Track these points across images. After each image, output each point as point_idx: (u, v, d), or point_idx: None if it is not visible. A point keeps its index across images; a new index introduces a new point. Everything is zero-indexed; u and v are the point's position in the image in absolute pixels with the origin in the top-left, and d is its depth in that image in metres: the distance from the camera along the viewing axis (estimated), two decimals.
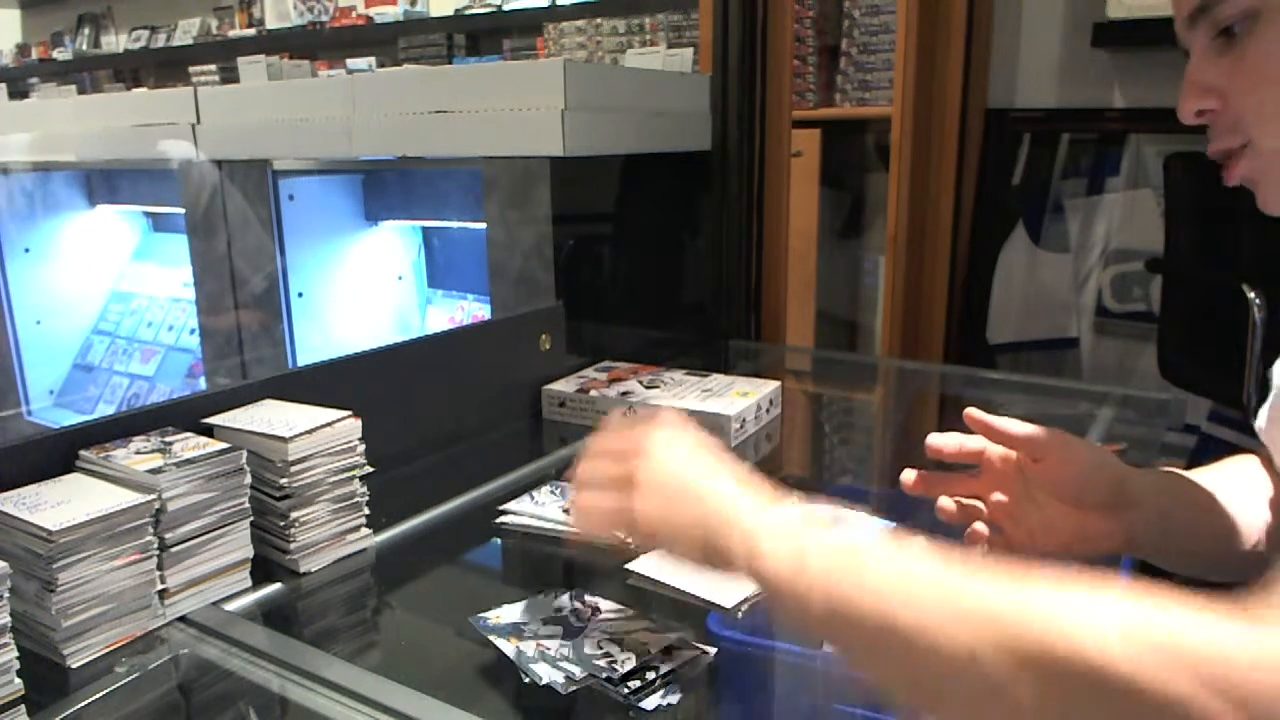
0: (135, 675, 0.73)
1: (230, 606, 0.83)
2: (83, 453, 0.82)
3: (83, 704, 0.69)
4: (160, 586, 0.78)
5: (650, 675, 0.70)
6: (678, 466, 0.66)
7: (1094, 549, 0.73)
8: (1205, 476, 0.77)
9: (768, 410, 1.35)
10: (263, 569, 0.87)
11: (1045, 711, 0.44)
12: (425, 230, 2.11)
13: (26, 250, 2.43)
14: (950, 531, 0.77)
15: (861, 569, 0.53)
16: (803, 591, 0.55)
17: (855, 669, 0.58)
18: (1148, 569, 0.79)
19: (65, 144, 2.20)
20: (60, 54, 5.15)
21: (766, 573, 0.57)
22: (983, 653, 0.46)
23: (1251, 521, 0.74)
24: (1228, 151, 0.65)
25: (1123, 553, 0.76)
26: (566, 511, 0.99)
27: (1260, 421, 0.79)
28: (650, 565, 0.88)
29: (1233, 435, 1.92)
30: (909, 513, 0.98)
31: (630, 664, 0.71)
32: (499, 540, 1.00)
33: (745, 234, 1.84)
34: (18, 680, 0.68)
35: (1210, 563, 0.75)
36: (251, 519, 0.85)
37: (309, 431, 0.87)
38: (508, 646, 0.74)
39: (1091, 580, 0.47)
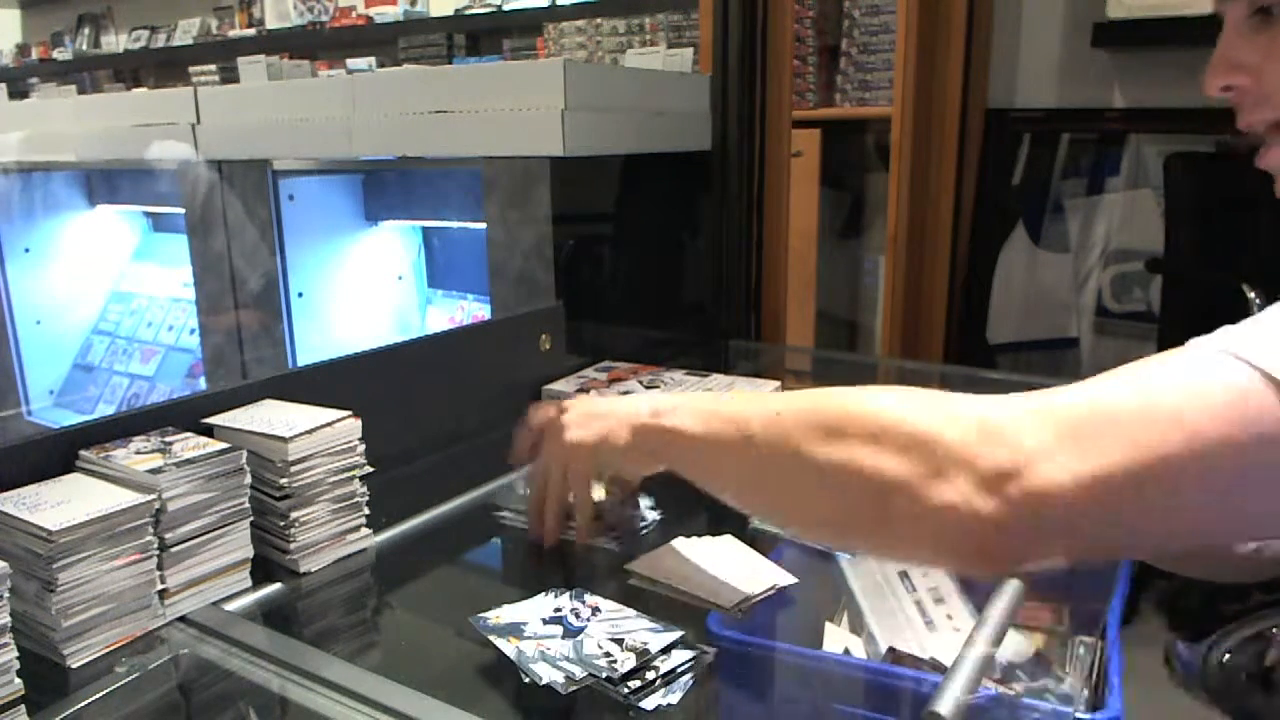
0: (135, 675, 0.73)
1: (230, 606, 0.82)
2: (83, 453, 0.82)
3: (83, 704, 0.69)
4: (160, 586, 0.78)
5: (650, 675, 0.70)
6: (589, 402, 0.86)
7: None
8: None
9: None
10: (263, 569, 0.87)
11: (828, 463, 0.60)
12: (425, 230, 2.11)
13: (26, 250, 2.43)
14: None
15: (729, 407, 0.70)
16: (690, 434, 0.72)
17: (734, 499, 0.73)
18: (1149, 571, 0.78)
19: (65, 144, 2.20)
20: (60, 54, 5.15)
21: (668, 426, 0.74)
22: (793, 435, 0.62)
23: None
24: (1261, 125, 0.64)
25: None
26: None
27: None
28: (650, 565, 0.88)
29: None
30: None
31: (630, 664, 0.70)
32: (499, 540, 1.00)
33: (745, 234, 1.84)
34: (18, 680, 0.68)
35: (1205, 562, 0.75)
36: (251, 519, 0.85)
37: (309, 431, 0.87)
38: (508, 646, 0.74)
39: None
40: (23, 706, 0.68)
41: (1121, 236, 2.29)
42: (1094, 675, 0.69)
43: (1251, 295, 1.75)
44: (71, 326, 2.60)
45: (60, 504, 0.74)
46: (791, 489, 0.65)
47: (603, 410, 0.83)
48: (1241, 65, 0.63)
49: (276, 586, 0.87)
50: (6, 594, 0.67)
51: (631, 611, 0.79)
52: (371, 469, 0.94)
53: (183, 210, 1.98)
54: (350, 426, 0.91)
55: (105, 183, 2.48)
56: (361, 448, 0.92)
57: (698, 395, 0.78)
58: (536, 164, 1.42)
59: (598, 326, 1.54)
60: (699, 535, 0.93)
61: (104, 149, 2.11)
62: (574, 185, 1.47)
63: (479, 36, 3.74)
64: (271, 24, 4.23)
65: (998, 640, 0.65)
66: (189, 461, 0.79)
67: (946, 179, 2.28)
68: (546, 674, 0.70)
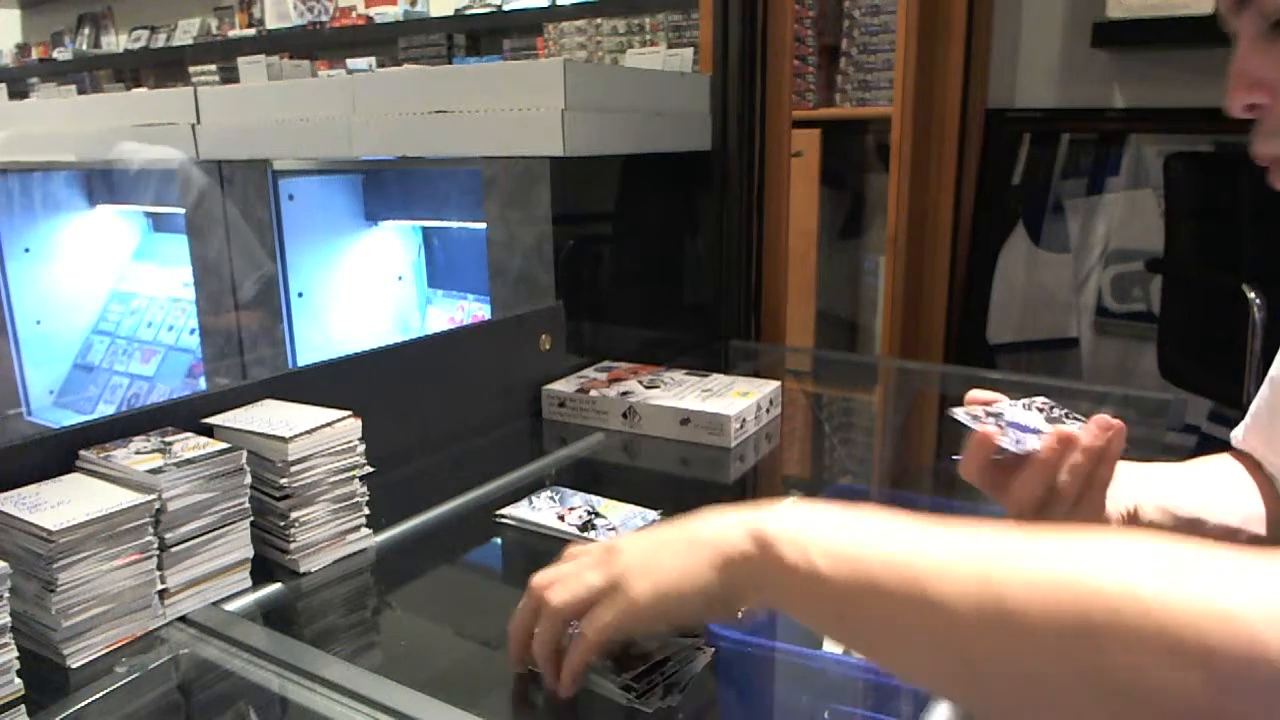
0: (135, 675, 0.73)
1: (230, 606, 0.82)
2: (83, 453, 0.82)
3: (83, 704, 0.69)
4: (160, 586, 0.78)
5: (650, 675, 0.70)
6: (649, 532, 0.63)
7: None
8: (1181, 471, 0.77)
9: (768, 410, 1.35)
10: (263, 569, 0.87)
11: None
12: (425, 230, 2.11)
13: (26, 250, 2.43)
14: None
15: (884, 541, 0.49)
16: (823, 573, 0.50)
17: (881, 662, 0.53)
18: None
19: (65, 144, 2.20)
20: (60, 54, 5.15)
21: (784, 560, 0.53)
22: (1052, 620, 0.40)
23: (1234, 515, 0.73)
24: (1275, 157, 0.62)
25: None
26: (562, 518, 0.99)
27: (1238, 433, 0.79)
28: None
29: None
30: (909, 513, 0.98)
31: (630, 664, 0.70)
32: (499, 540, 1.00)
33: (745, 234, 1.84)
34: (18, 680, 0.68)
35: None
36: (251, 519, 0.85)
37: (309, 431, 0.87)
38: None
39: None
40: (23, 706, 0.68)
41: (1121, 236, 2.29)
42: None
43: (1251, 295, 1.75)
44: (71, 326, 2.60)
45: (60, 504, 0.74)
46: (1034, 696, 0.43)
47: (671, 532, 0.61)
48: (1261, 82, 0.60)
49: (276, 586, 0.87)
50: (6, 594, 0.67)
51: None
52: (371, 469, 0.94)
53: (183, 210, 1.98)
54: (350, 426, 0.91)
55: (105, 183, 2.48)
56: (361, 448, 0.92)
57: (817, 514, 0.55)
58: (536, 164, 1.42)
59: (598, 326, 1.54)
60: None
61: (104, 149, 2.10)
62: (574, 185, 1.47)
63: (479, 36, 3.74)
64: (271, 24, 4.24)
65: None
66: (189, 461, 0.79)
67: (946, 179, 2.28)
68: None
